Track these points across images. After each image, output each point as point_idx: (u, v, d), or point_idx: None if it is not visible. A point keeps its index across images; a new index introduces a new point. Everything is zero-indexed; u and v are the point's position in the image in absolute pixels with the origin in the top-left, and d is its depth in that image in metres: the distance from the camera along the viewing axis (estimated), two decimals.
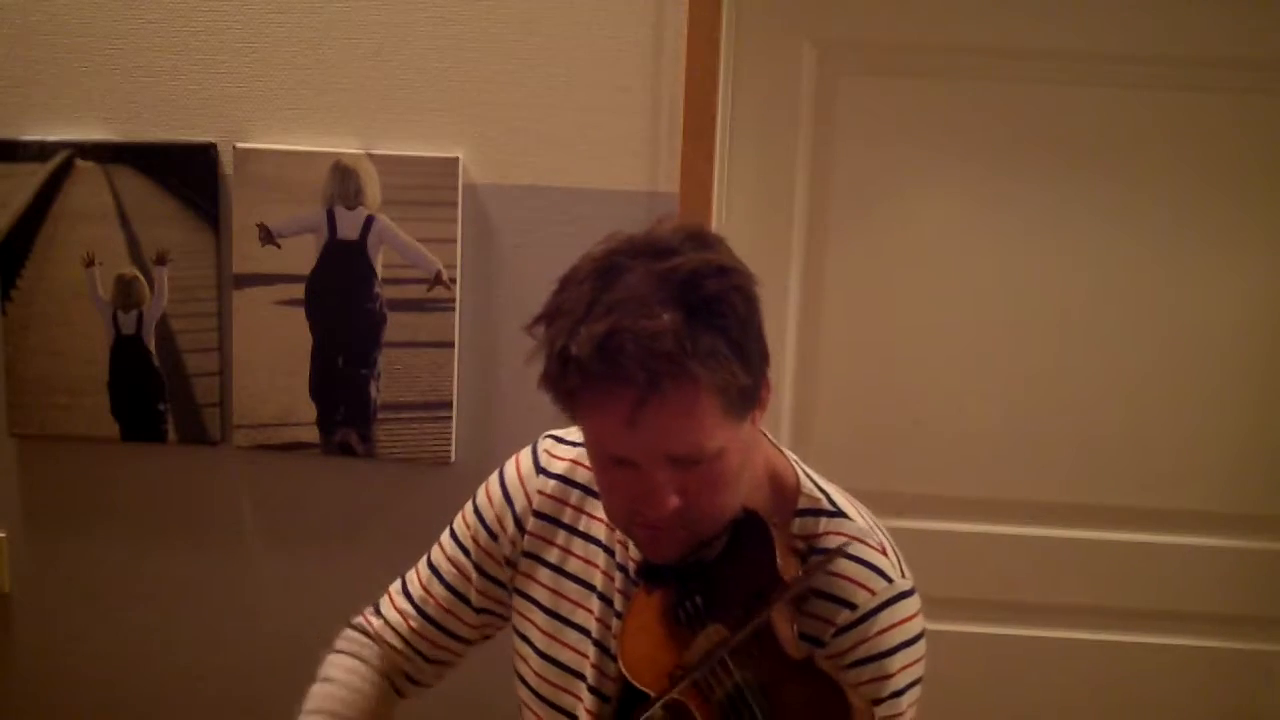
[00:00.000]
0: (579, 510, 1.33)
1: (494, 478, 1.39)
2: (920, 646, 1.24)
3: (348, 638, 1.43)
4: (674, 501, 1.11)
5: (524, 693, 1.37)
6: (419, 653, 1.41)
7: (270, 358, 2.00)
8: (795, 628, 1.15)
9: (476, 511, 1.38)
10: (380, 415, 2.00)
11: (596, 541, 1.31)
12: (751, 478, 1.21)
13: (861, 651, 1.20)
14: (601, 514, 1.29)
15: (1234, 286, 2.01)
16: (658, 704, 1.12)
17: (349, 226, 1.95)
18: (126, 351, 2.02)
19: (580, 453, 1.33)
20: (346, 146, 1.95)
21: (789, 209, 2.02)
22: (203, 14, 1.95)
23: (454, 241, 1.94)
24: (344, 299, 1.97)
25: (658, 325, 1.05)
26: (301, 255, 1.97)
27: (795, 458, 1.32)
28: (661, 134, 1.92)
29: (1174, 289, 2.01)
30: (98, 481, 2.09)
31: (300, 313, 1.98)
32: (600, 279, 1.09)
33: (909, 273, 2.03)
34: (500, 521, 1.36)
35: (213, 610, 2.12)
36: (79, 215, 1.98)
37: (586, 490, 1.32)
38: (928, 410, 2.06)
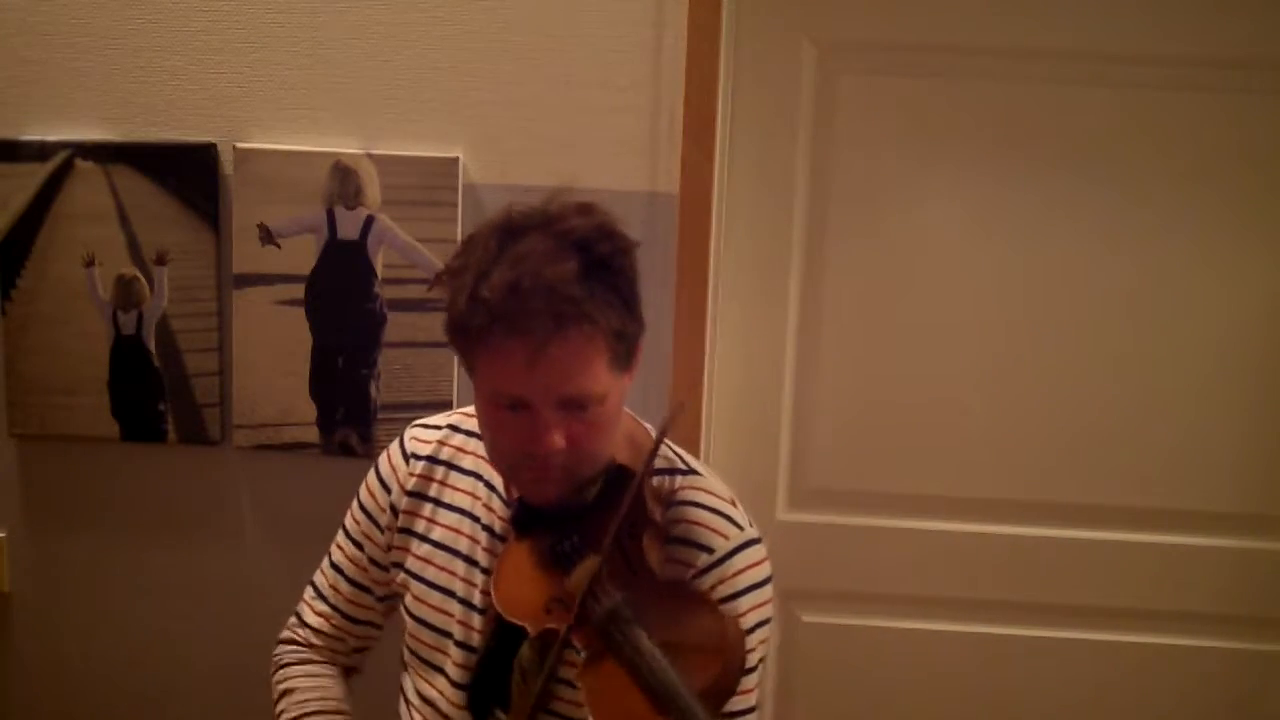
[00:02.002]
0: (443, 484, 1.44)
1: (371, 473, 1.51)
2: (767, 590, 1.35)
3: (285, 652, 1.54)
4: (560, 441, 1.23)
5: (405, 654, 1.49)
6: (345, 645, 1.54)
7: (270, 358, 2.00)
8: (663, 560, 1.27)
9: (362, 507, 1.50)
10: (380, 415, 2.00)
11: (461, 510, 1.42)
12: (616, 438, 1.33)
13: (719, 591, 1.31)
14: (465, 486, 1.43)
15: (1234, 286, 2.01)
16: (539, 632, 1.24)
17: (349, 226, 1.95)
18: (126, 351, 2.02)
19: (445, 434, 1.47)
20: (346, 146, 1.95)
21: (789, 209, 2.02)
22: (203, 14, 1.95)
23: (454, 241, 1.94)
24: (344, 299, 1.97)
25: (563, 272, 1.18)
26: (301, 255, 1.97)
27: (650, 426, 1.43)
28: (661, 134, 1.92)
29: (1174, 288, 2.01)
30: (98, 481, 2.09)
31: (300, 313, 1.98)
32: (503, 238, 1.22)
33: (909, 272, 2.03)
34: (381, 510, 1.48)
35: (213, 610, 2.12)
36: (79, 215, 1.98)
37: (450, 466, 1.45)
38: (928, 410, 2.06)
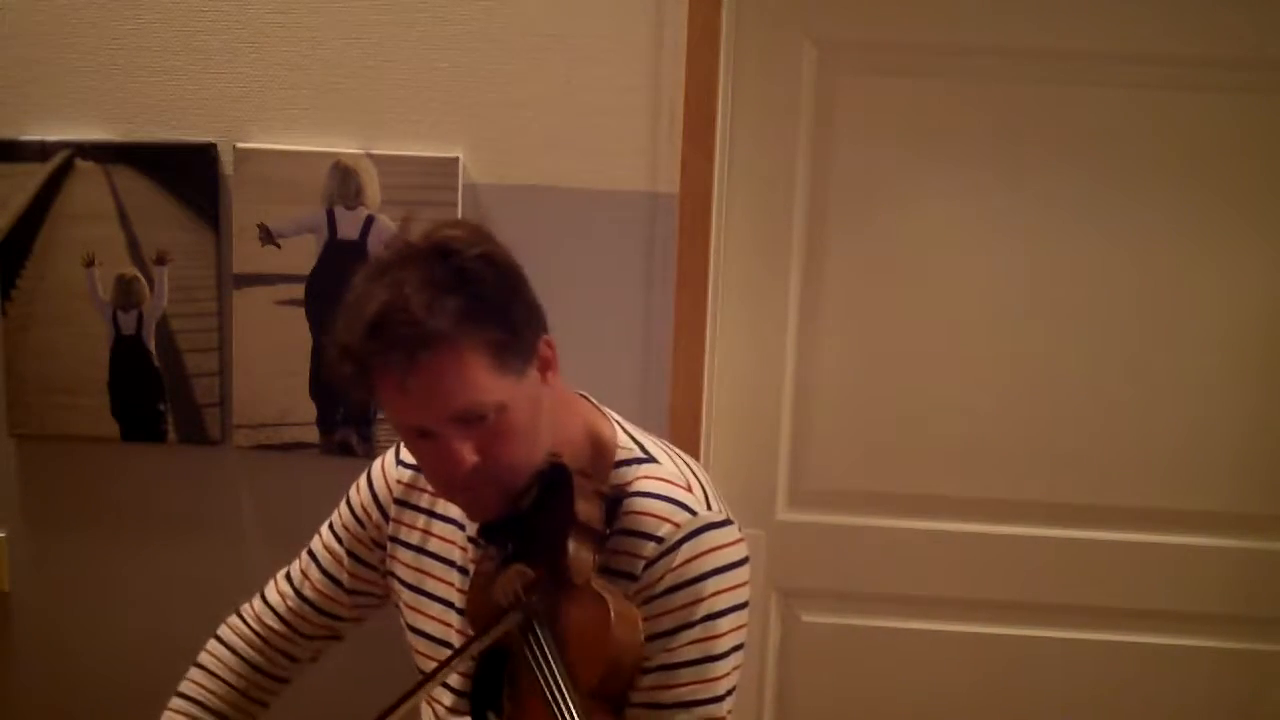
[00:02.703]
0: (435, 495, 1.44)
1: (363, 474, 1.54)
2: (738, 573, 1.32)
3: (226, 626, 1.59)
4: (471, 458, 1.23)
5: (414, 661, 1.50)
6: (296, 630, 1.56)
7: (270, 358, 2.00)
8: (594, 560, 1.25)
9: (348, 503, 1.54)
10: (380, 415, 1.99)
11: (453, 520, 1.43)
12: (568, 436, 1.34)
13: (670, 580, 1.28)
14: None
15: (1234, 286, 2.01)
16: (487, 636, 1.25)
17: (349, 226, 1.95)
18: (126, 351, 2.02)
19: None
20: (346, 146, 1.95)
21: (789, 209, 2.02)
22: (203, 14, 1.95)
23: None
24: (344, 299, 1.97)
25: (404, 299, 1.19)
26: (301, 255, 1.97)
27: (619, 418, 1.42)
28: (661, 134, 1.92)
29: (1174, 287, 2.01)
30: (98, 481, 2.09)
31: (300, 313, 1.98)
32: (366, 278, 1.25)
33: (909, 272, 2.03)
34: (366, 510, 1.51)
35: (213, 610, 2.10)
36: (79, 215, 1.98)
37: None
38: (928, 410, 2.06)
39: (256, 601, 1.60)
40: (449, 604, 1.42)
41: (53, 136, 1.97)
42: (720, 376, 2.05)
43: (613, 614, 1.21)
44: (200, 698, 1.56)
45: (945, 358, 2.05)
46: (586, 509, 1.26)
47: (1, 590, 2.13)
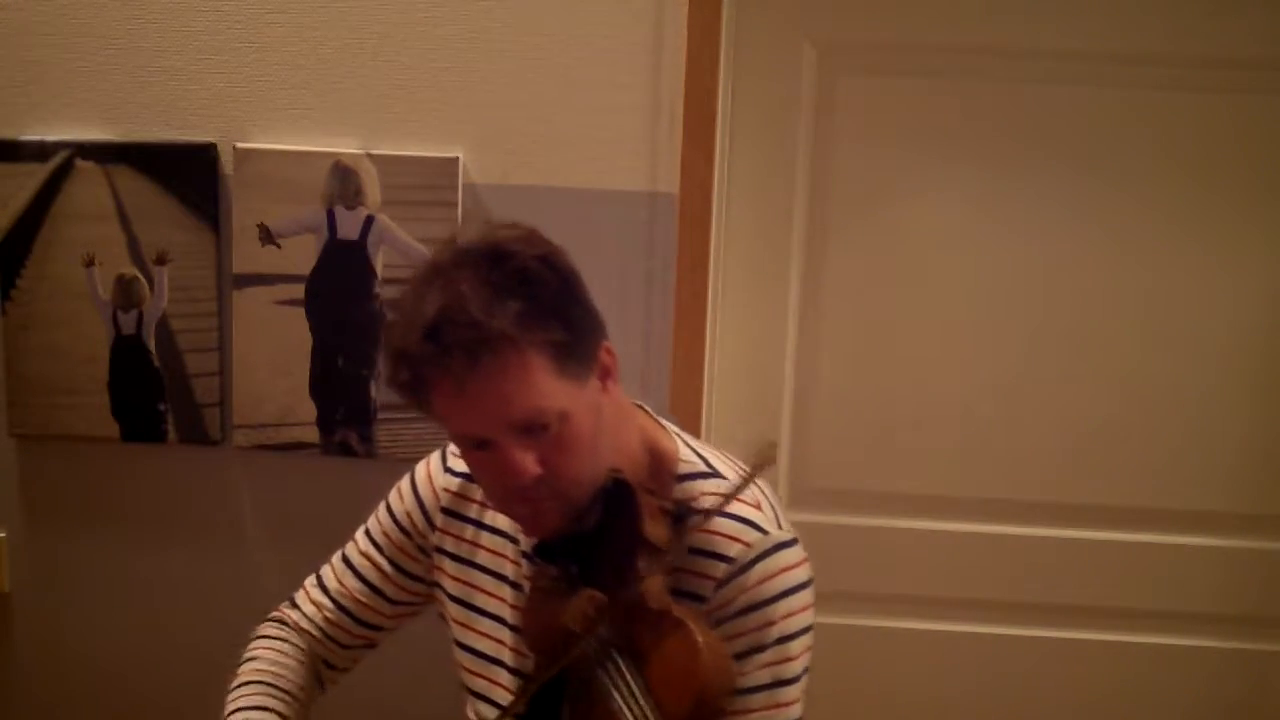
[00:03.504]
0: (484, 505, 1.39)
1: (405, 479, 1.47)
2: (806, 595, 1.27)
3: (268, 627, 1.51)
4: (533, 469, 1.17)
5: (459, 680, 1.44)
6: (335, 640, 1.48)
7: (270, 358, 2.00)
8: (664, 582, 1.20)
9: (389, 510, 1.46)
10: (380, 415, 2.00)
11: (502, 533, 1.37)
12: (627, 449, 1.28)
13: (743, 601, 1.23)
14: None
15: (1234, 286, 2.01)
16: (556, 666, 1.19)
17: (349, 226, 1.95)
18: (126, 351, 2.02)
19: None
20: (346, 146, 1.95)
21: (789, 209, 2.02)
22: (203, 14, 1.95)
23: None
24: (344, 299, 1.97)
25: (462, 300, 1.13)
26: (301, 255, 1.97)
27: (678, 429, 1.37)
28: (661, 134, 1.92)
29: (1173, 288, 2.01)
30: (98, 481, 2.09)
31: (300, 313, 1.98)
32: (419, 282, 1.19)
33: (908, 272, 2.03)
34: (410, 518, 1.44)
35: (213, 610, 2.12)
36: (79, 215, 1.98)
37: None
38: (927, 410, 2.06)
39: (291, 611, 1.51)
40: (500, 620, 1.36)
41: (53, 136, 1.97)
42: (720, 377, 2.05)
43: (701, 643, 1.14)
44: (264, 702, 1.45)
45: (945, 357, 2.05)
46: (654, 529, 1.20)
47: (1, 590, 2.13)
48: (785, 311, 2.05)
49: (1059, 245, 2.01)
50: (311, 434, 2.01)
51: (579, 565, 1.23)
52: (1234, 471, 2.06)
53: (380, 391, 1.99)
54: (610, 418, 1.25)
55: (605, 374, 1.24)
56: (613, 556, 1.19)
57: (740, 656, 1.22)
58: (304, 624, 1.49)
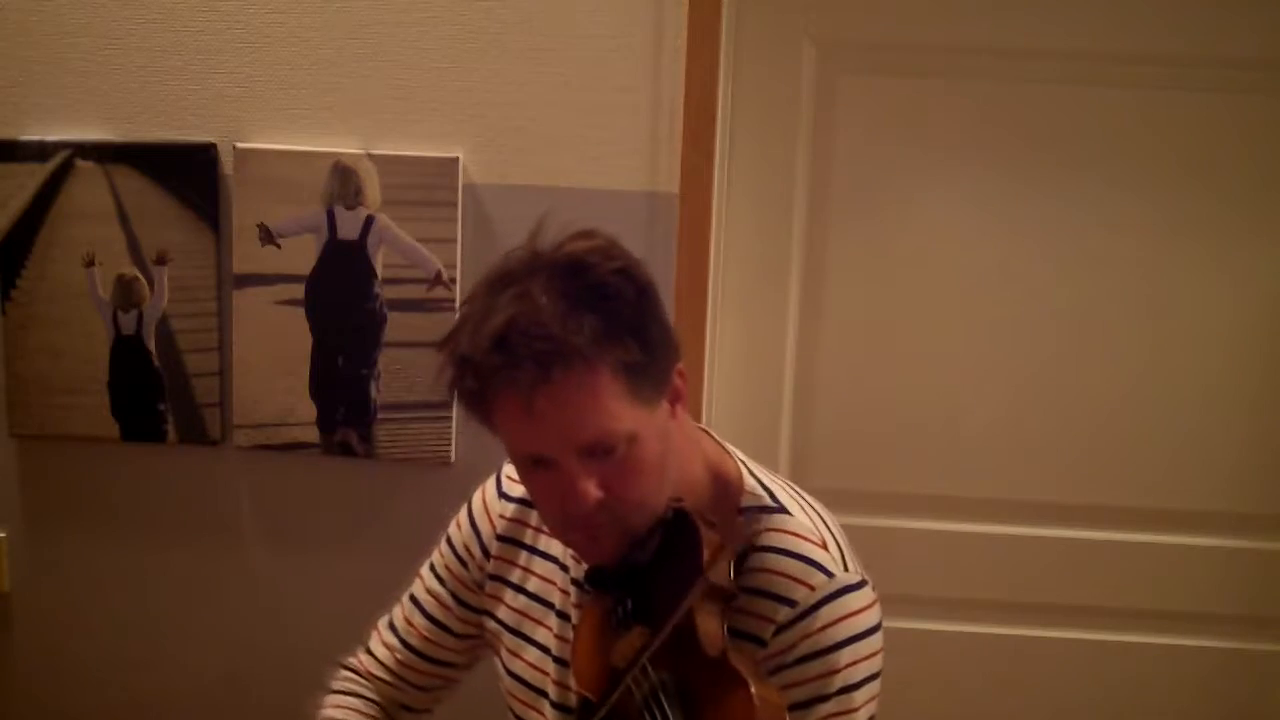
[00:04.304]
0: (538, 530, 1.34)
1: (463, 509, 1.42)
2: (874, 641, 1.20)
3: (339, 678, 1.46)
4: (595, 492, 1.11)
5: (510, 706, 1.40)
6: (408, 682, 1.43)
7: (270, 358, 2.00)
8: (723, 624, 1.13)
9: (449, 542, 1.42)
10: (380, 415, 2.00)
11: (553, 559, 1.33)
12: (690, 477, 1.22)
13: (805, 648, 1.17)
14: None
15: (1233, 286, 2.01)
16: (603, 707, 1.12)
17: (349, 226, 1.95)
18: (126, 351, 2.02)
19: None
20: (346, 146, 1.95)
21: (789, 209, 2.02)
22: (203, 14, 1.95)
23: (454, 241, 1.94)
24: (344, 299, 1.97)
25: (537, 311, 1.07)
26: (301, 255, 1.97)
27: (743, 456, 1.30)
28: (661, 134, 1.92)
29: (1173, 288, 2.01)
30: (98, 481, 2.09)
31: (300, 313, 1.98)
32: (490, 287, 1.12)
33: (909, 272, 2.03)
34: (468, 548, 1.39)
35: (212, 610, 2.12)
36: (79, 215, 1.98)
37: None
38: (928, 410, 2.06)
39: (363, 656, 1.46)
40: (546, 650, 1.32)
41: (53, 136, 1.97)
42: (720, 376, 2.05)
43: (756, 700, 1.06)
44: None
45: (945, 357, 2.05)
46: (716, 566, 1.12)
47: (1, 590, 2.13)
48: (785, 311, 2.05)
49: (1059, 245, 2.01)
50: (311, 434, 2.01)
51: (633, 598, 1.17)
52: (1234, 471, 2.06)
53: (380, 391, 1.99)
54: (677, 443, 1.19)
55: (676, 398, 1.18)
56: (669, 591, 1.12)
57: (799, 707, 1.15)
58: (376, 670, 1.44)
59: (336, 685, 1.45)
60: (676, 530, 1.16)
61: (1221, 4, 1.92)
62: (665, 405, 1.16)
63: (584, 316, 1.08)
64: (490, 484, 1.41)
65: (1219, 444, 2.05)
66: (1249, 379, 2.03)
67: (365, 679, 1.45)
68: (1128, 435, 2.05)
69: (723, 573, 1.13)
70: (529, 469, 1.16)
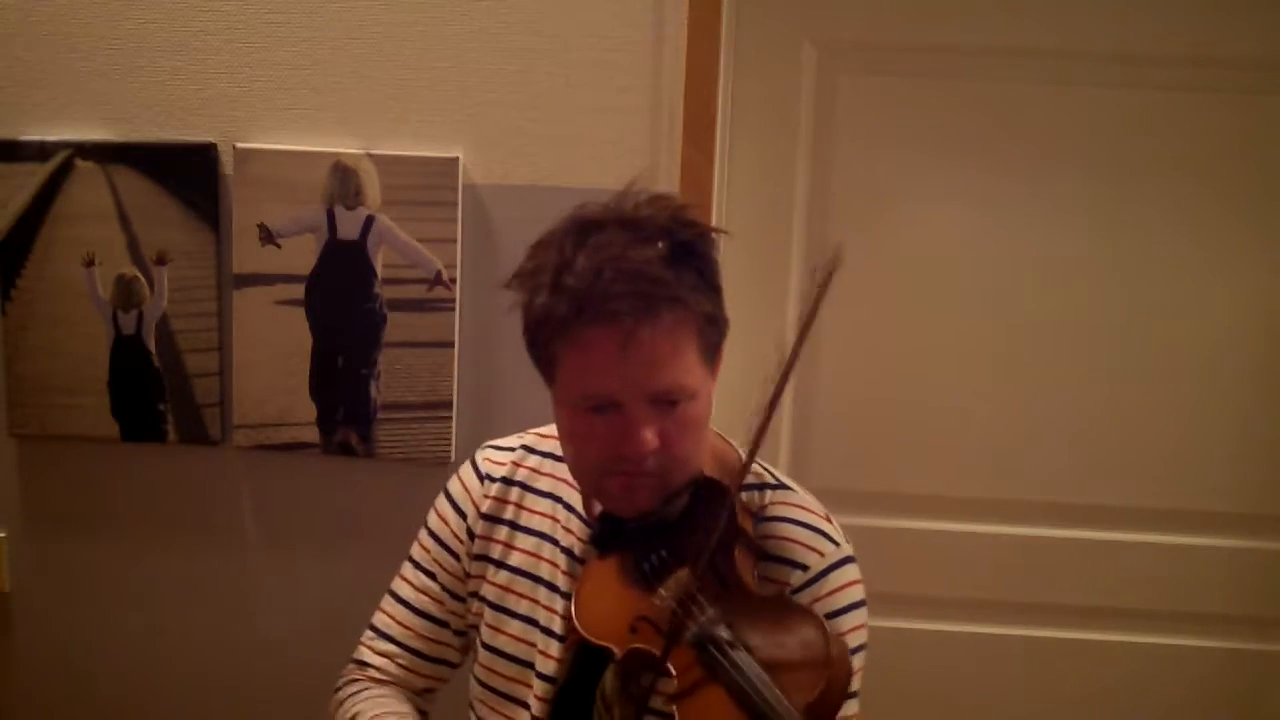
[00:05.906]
0: (519, 506, 1.38)
1: (441, 499, 1.43)
2: (865, 612, 1.29)
3: (346, 684, 1.43)
4: (653, 439, 1.15)
5: (476, 689, 1.40)
6: (411, 687, 1.43)
7: (270, 358, 2.00)
8: (756, 577, 1.20)
9: (433, 535, 1.42)
10: (380, 415, 2.00)
11: (538, 533, 1.36)
12: (705, 447, 1.26)
13: (816, 610, 1.21)
14: (542, 508, 1.35)
15: (1233, 287, 2.01)
16: (667, 648, 1.14)
17: (349, 226, 1.95)
18: (126, 351, 2.02)
19: (519, 454, 1.40)
20: (346, 146, 1.95)
21: (789, 209, 2.02)
22: (203, 14, 1.95)
23: (454, 241, 1.94)
24: (344, 299, 1.97)
25: (648, 255, 1.11)
26: (301, 255, 1.97)
27: (735, 442, 1.36)
28: (661, 134, 1.92)
29: (1173, 288, 2.01)
30: (98, 481, 2.09)
31: (300, 313, 1.98)
32: (578, 232, 1.16)
33: (909, 272, 2.03)
34: (456, 537, 1.40)
35: (212, 610, 2.12)
36: (79, 215, 1.98)
37: (525, 487, 1.38)
38: (928, 410, 2.06)
39: (358, 671, 1.43)
40: (532, 621, 1.33)
41: (53, 136, 1.97)
42: (720, 377, 2.04)
43: (829, 630, 1.11)
44: None
45: (945, 357, 2.05)
46: (749, 525, 1.21)
47: (1, 590, 2.13)
48: (786, 310, 2.05)
49: (1059, 244, 2.01)
50: (311, 434, 2.01)
51: (668, 549, 1.20)
52: (1234, 471, 2.06)
53: (380, 391, 1.99)
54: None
55: (716, 367, 1.24)
56: (702, 545, 1.16)
57: None
58: (380, 679, 1.42)
59: (351, 688, 1.41)
60: (704, 494, 1.21)
61: (1221, 4, 1.92)
62: (713, 372, 1.22)
63: (683, 269, 1.13)
64: (466, 471, 1.42)
65: (1219, 444, 2.05)
66: (1249, 379, 2.03)
67: (368, 693, 1.41)
68: (1128, 435, 2.05)
69: (752, 533, 1.21)
70: (583, 412, 1.18)
